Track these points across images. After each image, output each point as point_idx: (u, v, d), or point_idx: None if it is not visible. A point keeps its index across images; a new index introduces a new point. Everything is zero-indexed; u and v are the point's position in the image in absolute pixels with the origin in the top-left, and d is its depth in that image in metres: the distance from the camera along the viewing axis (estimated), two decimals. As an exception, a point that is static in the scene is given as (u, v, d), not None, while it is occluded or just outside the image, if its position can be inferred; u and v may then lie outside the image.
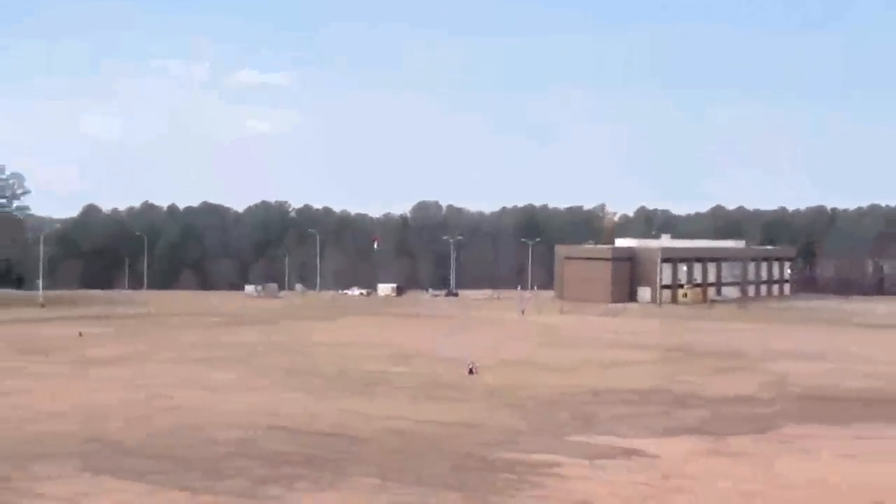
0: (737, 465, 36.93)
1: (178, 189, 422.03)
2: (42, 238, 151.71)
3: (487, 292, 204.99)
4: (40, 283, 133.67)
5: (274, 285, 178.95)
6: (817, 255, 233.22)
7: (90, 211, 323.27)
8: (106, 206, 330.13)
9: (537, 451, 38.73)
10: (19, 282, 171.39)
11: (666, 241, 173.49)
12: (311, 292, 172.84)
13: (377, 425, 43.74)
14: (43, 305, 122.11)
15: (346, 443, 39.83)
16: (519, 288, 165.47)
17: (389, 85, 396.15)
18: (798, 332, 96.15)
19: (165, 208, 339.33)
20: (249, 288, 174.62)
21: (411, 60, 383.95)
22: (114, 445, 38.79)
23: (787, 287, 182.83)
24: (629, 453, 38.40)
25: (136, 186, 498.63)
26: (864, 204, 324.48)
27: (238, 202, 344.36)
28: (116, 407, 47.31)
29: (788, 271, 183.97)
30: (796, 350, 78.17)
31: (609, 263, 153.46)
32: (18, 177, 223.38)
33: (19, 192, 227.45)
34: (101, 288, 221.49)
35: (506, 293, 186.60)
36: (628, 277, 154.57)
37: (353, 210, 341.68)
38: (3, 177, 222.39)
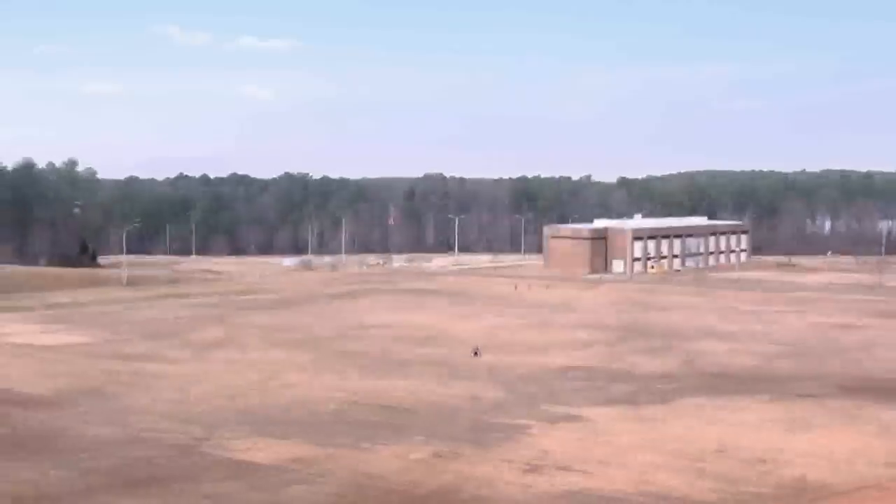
0: (643, 426, 57.61)
1: (209, 160, 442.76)
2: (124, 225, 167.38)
3: (487, 257, 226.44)
4: (124, 265, 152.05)
5: (309, 258, 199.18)
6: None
7: (131, 182, 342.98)
8: (144, 176, 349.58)
9: (517, 417, 59.63)
10: (94, 257, 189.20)
11: (637, 220, 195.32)
12: (340, 265, 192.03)
13: (416, 398, 64.70)
14: (127, 285, 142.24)
15: (400, 412, 60.78)
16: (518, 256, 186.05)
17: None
18: (729, 305, 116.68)
19: (198, 178, 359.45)
20: (287, 261, 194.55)
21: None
22: (259, 415, 59.66)
23: (742, 256, 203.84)
24: (576, 418, 59.25)
25: (171, 157, 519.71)
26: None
27: (262, 172, 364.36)
28: (246, 387, 68.17)
29: (744, 244, 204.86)
30: (717, 329, 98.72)
31: (588, 241, 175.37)
32: None
33: None
34: (144, 253, 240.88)
35: (502, 257, 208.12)
36: (604, 252, 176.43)
37: (370, 175, 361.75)
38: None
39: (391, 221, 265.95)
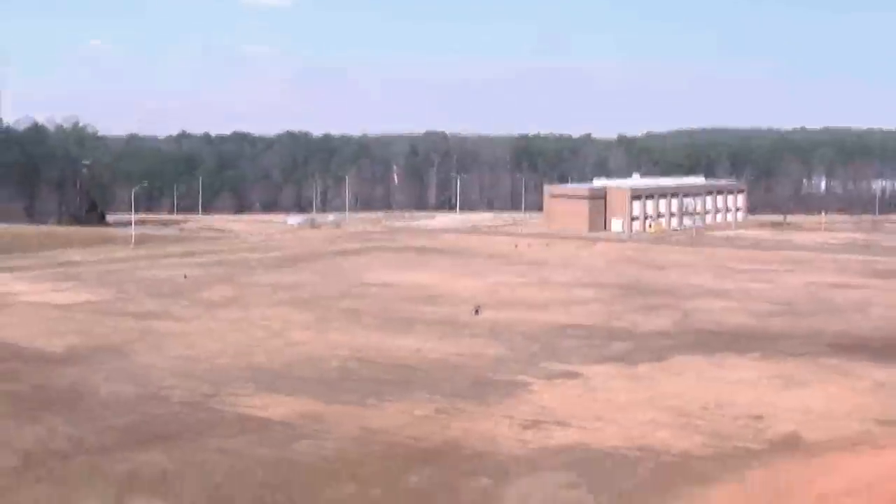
0: (639, 383, 58.19)
1: (211, 119, 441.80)
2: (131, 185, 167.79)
3: (489, 215, 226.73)
4: (132, 224, 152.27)
5: (313, 216, 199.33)
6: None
7: (133, 140, 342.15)
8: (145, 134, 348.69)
9: (518, 373, 60.20)
10: (102, 216, 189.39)
11: (635, 180, 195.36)
12: (343, 223, 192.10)
13: (421, 356, 65.21)
14: (135, 244, 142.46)
15: (405, 369, 61.31)
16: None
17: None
18: (725, 264, 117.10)
19: (201, 135, 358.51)
20: (292, 219, 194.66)
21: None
22: (266, 372, 60.26)
23: (739, 215, 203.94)
24: (574, 375, 59.81)
25: (171, 115, 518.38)
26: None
27: (264, 130, 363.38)
28: (253, 344, 68.70)
29: (741, 203, 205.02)
30: (713, 288, 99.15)
31: (587, 201, 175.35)
32: None
33: None
34: (150, 211, 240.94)
35: (503, 215, 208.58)
36: (603, 211, 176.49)
37: (371, 132, 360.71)
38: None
39: (395, 180, 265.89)
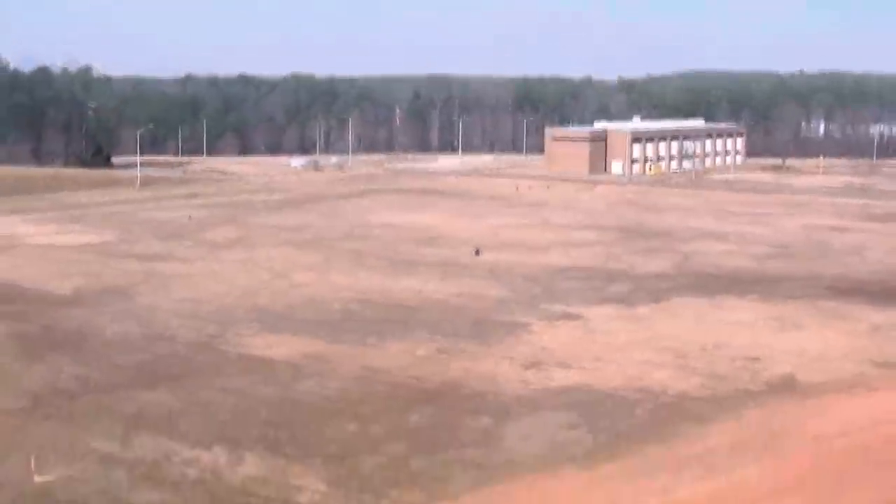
0: (638, 324, 58.13)
1: (217, 60, 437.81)
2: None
3: (490, 157, 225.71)
4: (137, 166, 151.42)
5: (316, 159, 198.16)
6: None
7: (139, 83, 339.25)
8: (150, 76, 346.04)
9: (519, 314, 60.13)
10: (108, 159, 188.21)
11: (635, 123, 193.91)
12: (346, 165, 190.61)
13: (422, 297, 65.08)
14: (140, 186, 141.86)
15: (406, 310, 61.19)
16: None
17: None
18: (723, 207, 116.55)
19: (206, 78, 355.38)
20: (296, 161, 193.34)
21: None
22: (270, 313, 60.17)
23: (738, 158, 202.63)
24: (574, 317, 59.71)
25: (178, 57, 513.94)
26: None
27: (269, 72, 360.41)
28: (257, 286, 68.51)
29: (739, 147, 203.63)
30: (712, 230, 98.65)
31: (587, 143, 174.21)
32: None
33: None
34: (156, 153, 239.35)
35: (505, 158, 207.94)
36: (603, 154, 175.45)
37: (374, 74, 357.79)
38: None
39: (397, 122, 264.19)
